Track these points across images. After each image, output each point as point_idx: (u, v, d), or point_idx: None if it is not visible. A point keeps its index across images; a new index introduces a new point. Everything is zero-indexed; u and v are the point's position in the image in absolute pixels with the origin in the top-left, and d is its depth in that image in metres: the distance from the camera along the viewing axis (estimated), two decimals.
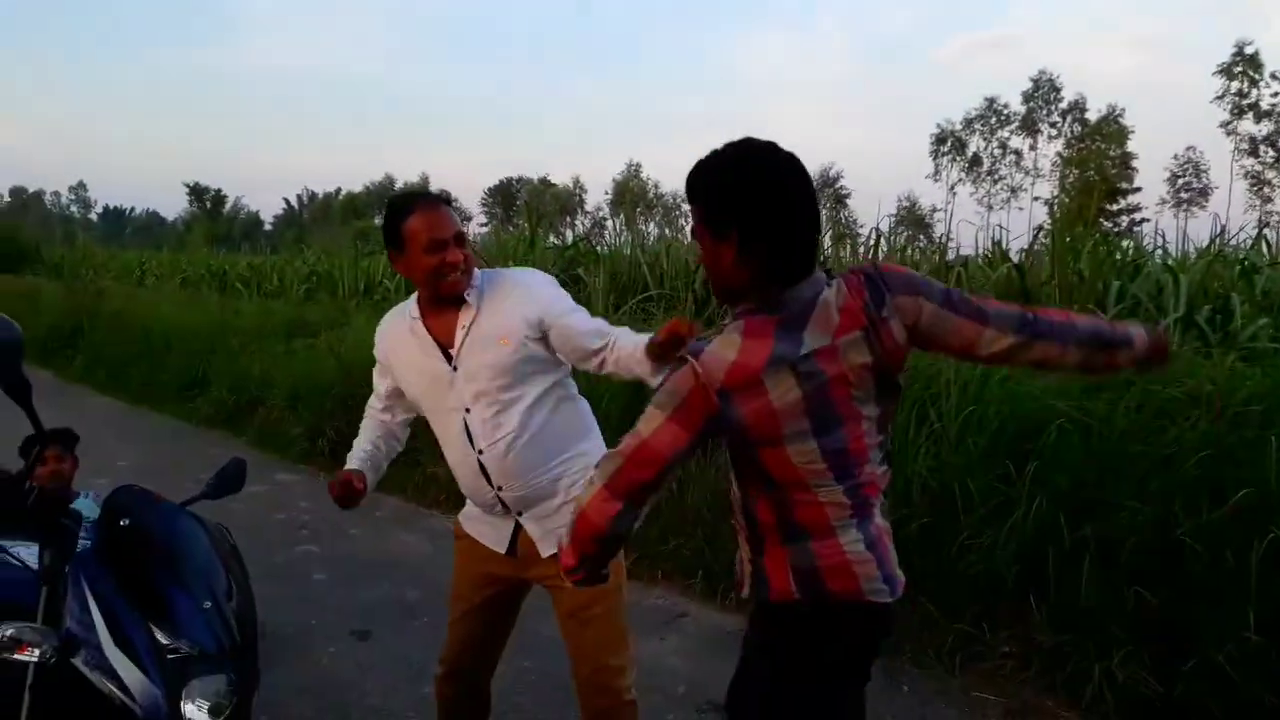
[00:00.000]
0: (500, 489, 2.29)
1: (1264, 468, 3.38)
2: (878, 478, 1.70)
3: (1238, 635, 3.19)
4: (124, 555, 1.55)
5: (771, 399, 1.54)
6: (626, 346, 2.18)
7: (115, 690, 1.43)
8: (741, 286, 1.62)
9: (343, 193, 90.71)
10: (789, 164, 1.57)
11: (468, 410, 2.27)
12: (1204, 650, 3.21)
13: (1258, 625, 3.14)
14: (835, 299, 1.60)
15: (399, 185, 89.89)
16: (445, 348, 2.28)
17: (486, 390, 2.24)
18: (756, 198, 1.55)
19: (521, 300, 2.27)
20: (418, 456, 6.49)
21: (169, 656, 1.48)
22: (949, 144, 72.04)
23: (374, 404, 2.62)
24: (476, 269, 2.32)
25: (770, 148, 1.58)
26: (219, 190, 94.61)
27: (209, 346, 9.88)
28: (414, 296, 2.39)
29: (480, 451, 2.27)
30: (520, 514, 2.31)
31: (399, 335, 2.38)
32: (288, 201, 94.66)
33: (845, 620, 1.68)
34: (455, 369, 2.27)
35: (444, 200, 2.32)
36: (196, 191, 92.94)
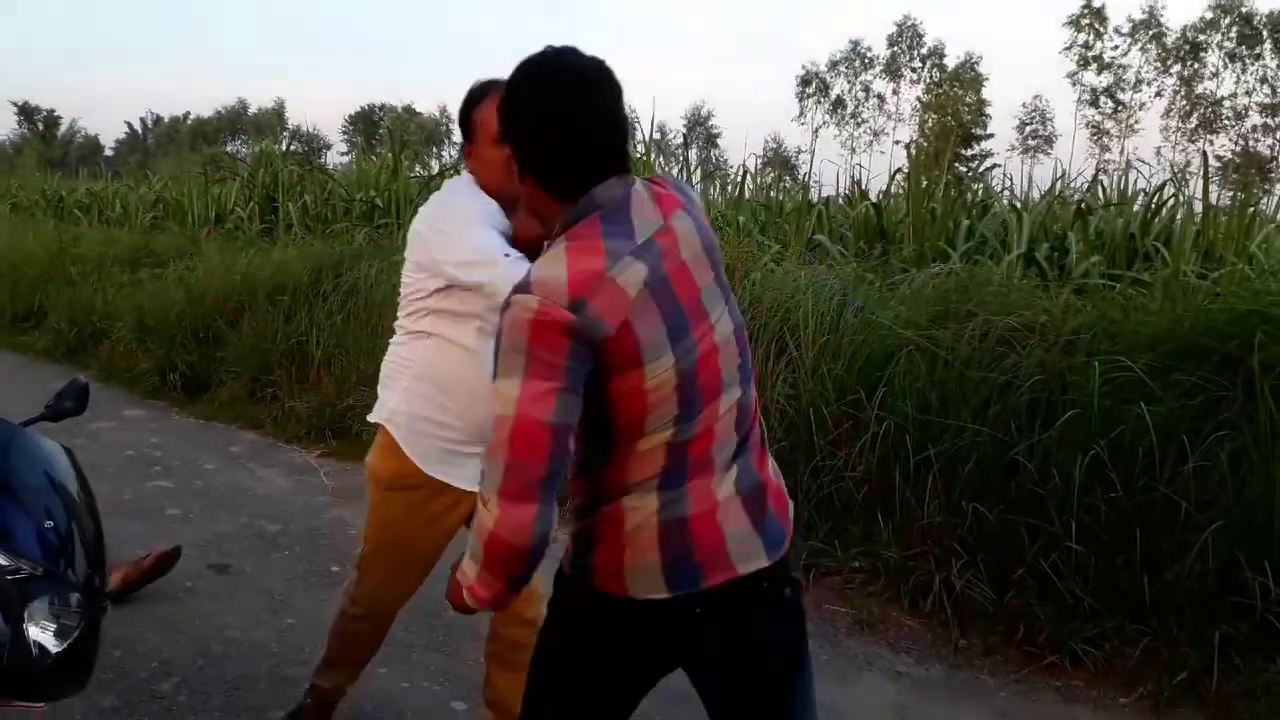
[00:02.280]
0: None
1: (1088, 391, 3.65)
2: (719, 421, 1.46)
3: (1060, 545, 3.47)
4: None
5: (627, 292, 1.36)
6: None
7: None
8: (535, 207, 1.51)
9: (191, 117, 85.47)
10: (568, 78, 1.42)
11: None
12: (1032, 559, 3.48)
13: (1078, 535, 3.42)
14: (645, 190, 1.48)
15: (253, 110, 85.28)
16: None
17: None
18: (521, 119, 1.44)
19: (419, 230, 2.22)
20: (275, 391, 6.32)
21: (10, 577, 1.42)
22: (814, 86, 73.15)
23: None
24: None
25: (547, 61, 1.44)
26: (52, 111, 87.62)
27: (45, 276, 9.26)
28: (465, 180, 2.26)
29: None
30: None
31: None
32: (130, 125, 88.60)
33: (612, 605, 1.48)
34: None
35: None
36: (26, 111, 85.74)
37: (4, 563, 1.43)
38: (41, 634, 1.45)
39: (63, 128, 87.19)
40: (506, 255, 2.02)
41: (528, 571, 1.37)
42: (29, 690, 1.47)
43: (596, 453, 1.45)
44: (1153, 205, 6.43)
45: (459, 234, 2.10)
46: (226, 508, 4.59)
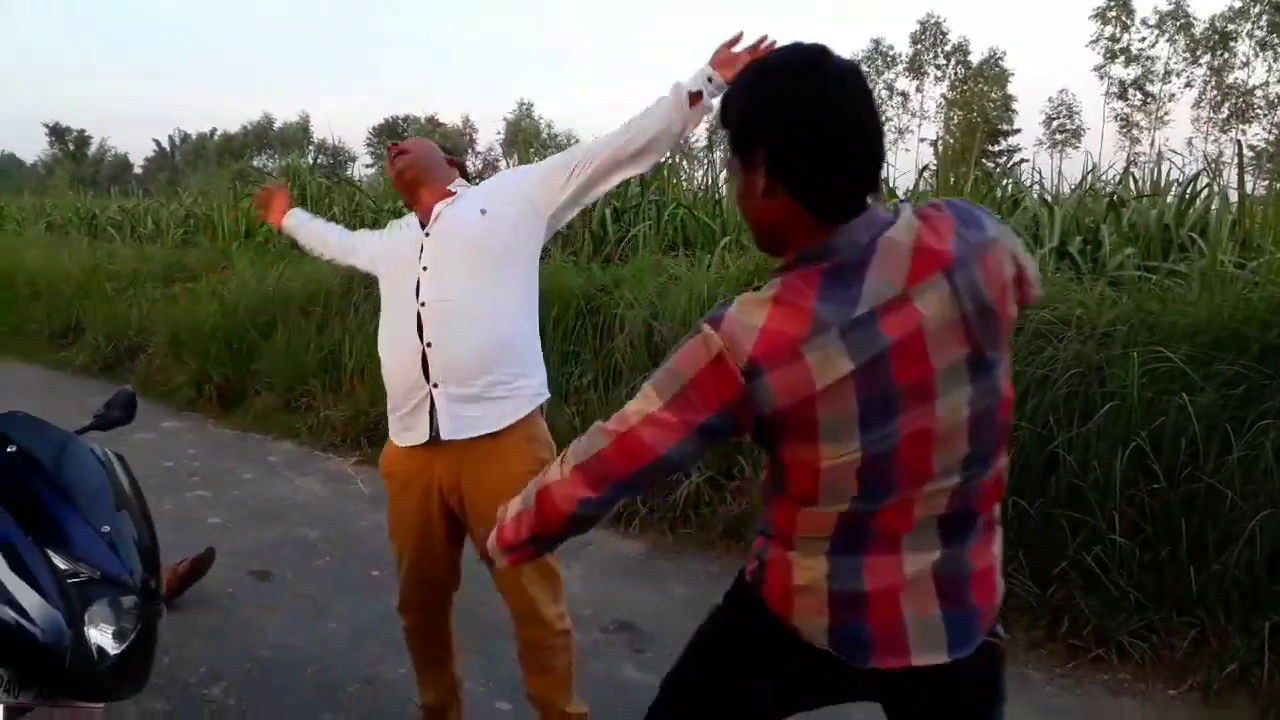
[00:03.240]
0: (429, 345, 2.24)
1: (1127, 383, 3.61)
2: (919, 501, 1.29)
3: (1103, 538, 3.44)
4: (13, 481, 1.50)
5: (814, 380, 1.21)
6: (656, 111, 2.24)
7: (15, 617, 1.39)
8: (777, 228, 1.31)
9: (218, 133, 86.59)
10: (835, 75, 1.25)
11: (425, 268, 2.29)
12: (1074, 553, 3.45)
13: (1121, 527, 3.38)
14: (905, 236, 1.24)
15: (278, 125, 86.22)
16: (424, 223, 2.39)
17: (447, 252, 2.29)
18: (786, 114, 1.24)
19: (510, 180, 2.43)
20: (310, 400, 6.39)
21: (69, 581, 1.44)
22: None
23: (345, 232, 2.87)
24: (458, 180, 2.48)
25: (812, 56, 1.27)
26: (82, 131, 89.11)
27: (81, 293, 9.41)
28: None
29: (423, 304, 2.26)
30: (436, 385, 2.25)
31: (397, 227, 2.57)
32: (158, 143, 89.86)
33: (783, 636, 1.40)
34: (428, 234, 2.34)
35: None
36: (57, 132, 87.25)
37: (63, 567, 1.45)
38: (100, 636, 1.47)
39: (93, 147, 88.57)
40: None
41: (553, 538, 1.40)
42: (90, 691, 1.50)
43: (773, 485, 1.37)
44: (1187, 196, 6.35)
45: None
46: (265, 516, 4.64)
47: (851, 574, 1.31)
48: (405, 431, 2.36)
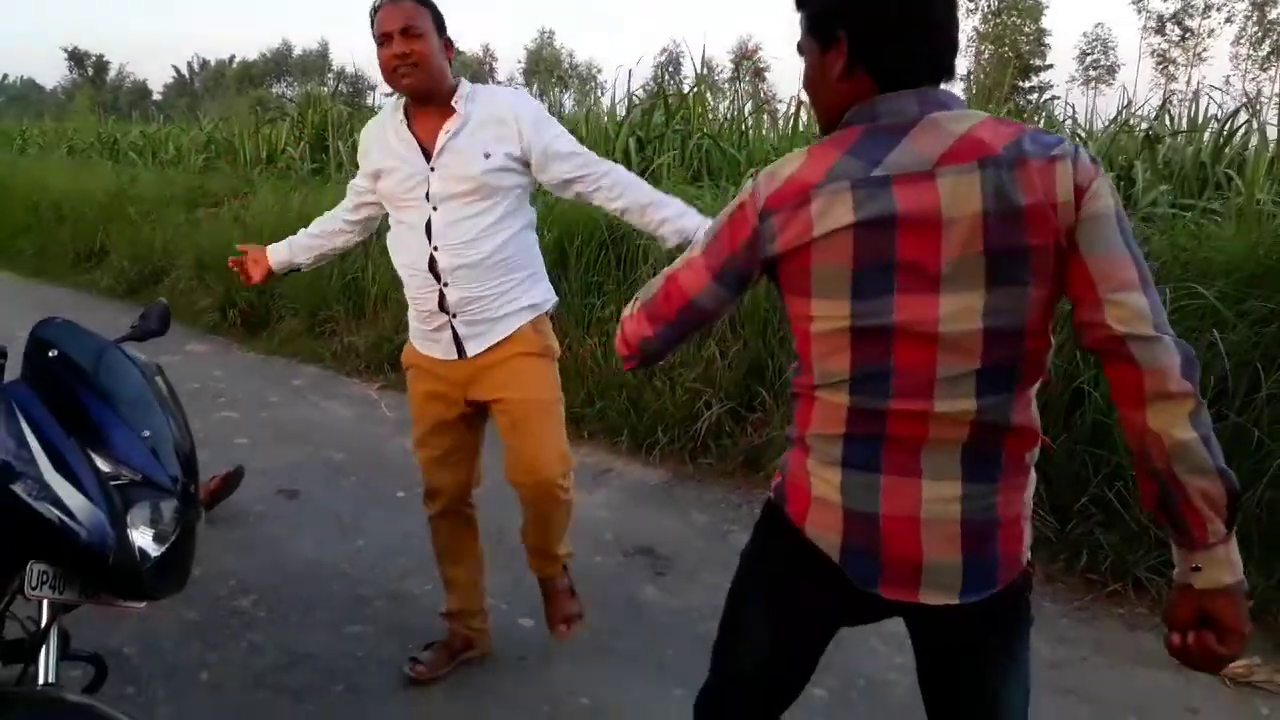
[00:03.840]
0: (446, 284, 2.37)
1: None
2: (935, 414, 1.25)
3: (1125, 474, 3.44)
4: (55, 386, 1.52)
5: (813, 225, 1.24)
6: (643, 206, 2.38)
7: (60, 515, 1.42)
8: (855, 90, 1.28)
9: (237, 60, 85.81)
10: None
11: (435, 209, 2.36)
12: (1096, 489, 3.45)
13: None
14: (960, 124, 1.22)
15: (297, 52, 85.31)
16: (426, 148, 2.37)
17: (456, 194, 2.34)
18: (872, 5, 1.24)
19: (510, 120, 2.36)
20: (334, 326, 6.43)
21: (112, 483, 1.47)
22: None
23: (343, 204, 2.76)
24: (468, 82, 2.41)
25: None
26: (101, 56, 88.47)
27: (105, 216, 9.43)
28: (403, 100, 2.45)
29: (435, 248, 2.36)
30: (455, 316, 2.41)
31: (382, 133, 2.46)
32: (177, 69, 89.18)
33: (804, 547, 1.38)
34: (432, 169, 2.35)
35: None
36: (76, 57, 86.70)
37: (106, 470, 1.48)
38: (141, 538, 1.50)
39: (111, 73, 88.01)
40: None
41: (637, 359, 1.51)
42: (131, 590, 1.54)
43: (798, 368, 1.39)
44: (1224, 133, 6.21)
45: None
46: (292, 437, 4.71)
47: (867, 492, 1.30)
48: (430, 344, 2.51)
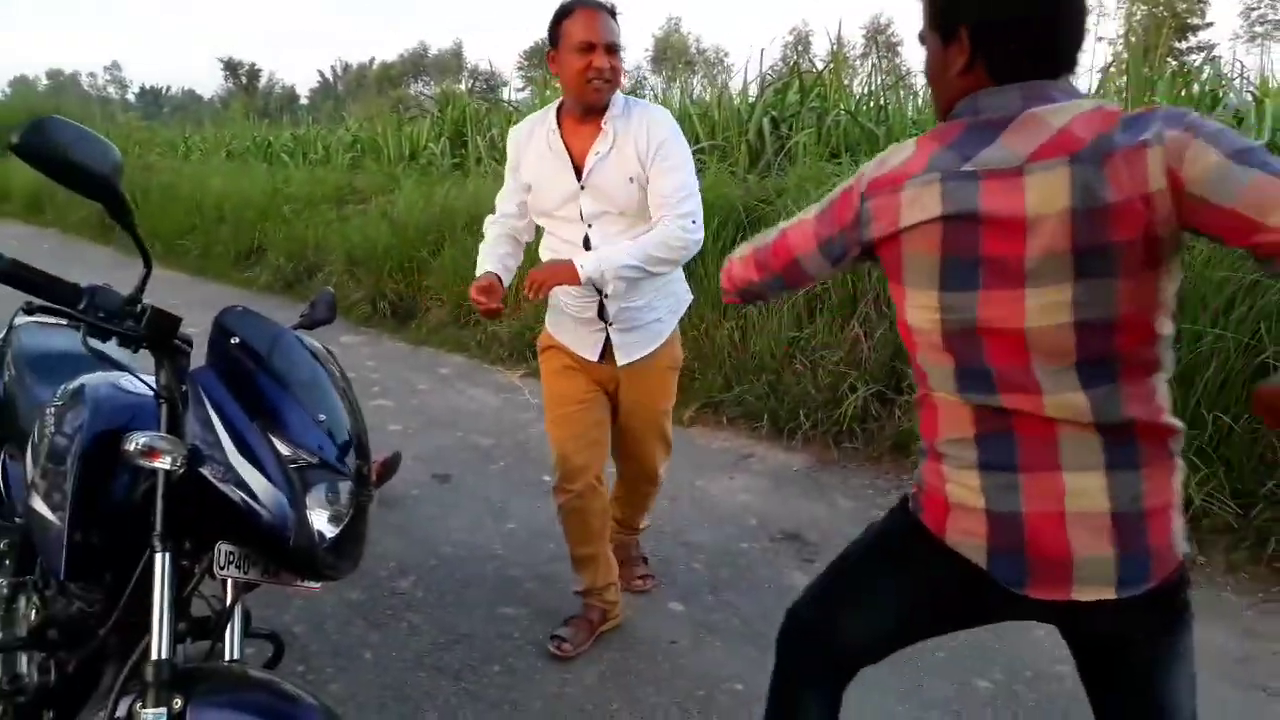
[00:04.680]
0: (606, 296, 2.46)
1: None
2: (1046, 407, 1.24)
3: None
4: (236, 371, 1.58)
5: (901, 214, 1.27)
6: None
7: (244, 497, 1.48)
8: (967, 77, 1.29)
9: (376, 62, 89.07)
10: None
11: (590, 225, 2.43)
12: None
13: None
14: (1060, 117, 1.21)
15: (433, 53, 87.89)
16: (577, 165, 2.41)
17: (609, 213, 2.41)
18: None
19: (648, 138, 2.37)
20: (477, 316, 6.57)
21: (291, 466, 1.52)
22: None
23: (497, 214, 2.71)
24: (622, 96, 2.43)
25: None
26: (254, 65, 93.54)
27: (261, 216, 9.92)
28: (553, 105, 2.51)
29: None
30: (612, 324, 2.51)
31: (534, 142, 2.50)
32: (322, 74, 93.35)
33: (934, 552, 1.37)
34: (583, 188, 2.41)
35: (607, 9, 2.37)
36: (231, 67, 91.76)
37: (285, 452, 1.53)
38: (318, 519, 1.55)
39: (263, 80, 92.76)
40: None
41: (739, 296, 1.63)
42: (310, 570, 1.59)
43: (919, 370, 1.39)
44: None
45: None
46: (442, 424, 4.84)
47: (1008, 492, 1.28)
48: (579, 345, 2.59)
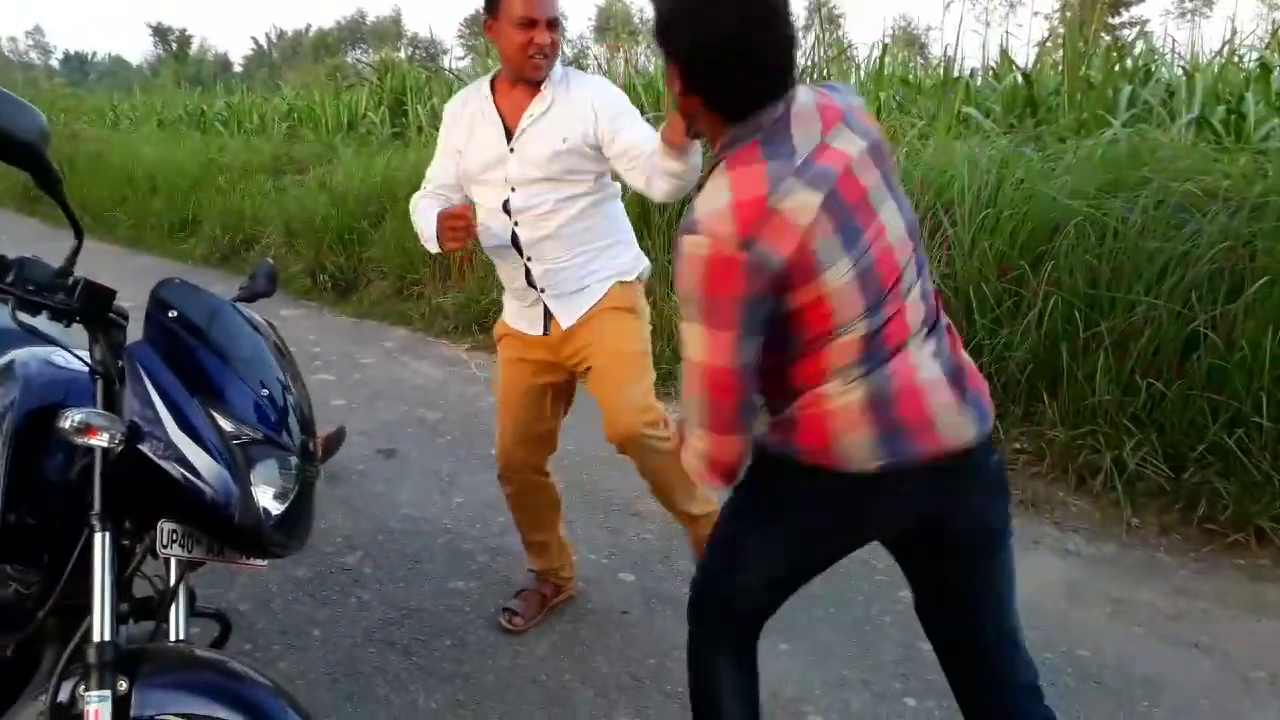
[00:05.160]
0: (530, 259, 2.41)
1: None
2: (907, 308, 1.46)
3: (1245, 420, 3.28)
4: (177, 346, 1.54)
5: (794, 221, 1.34)
6: (650, 155, 2.23)
7: (185, 474, 1.44)
8: (696, 120, 1.49)
9: (313, 29, 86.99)
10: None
11: (513, 189, 2.37)
12: (1216, 436, 3.30)
13: (1270, 411, 3.21)
14: (809, 100, 1.45)
15: (371, 19, 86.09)
16: (509, 126, 2.38)
17: (534, 176, 2.35)
18: (694, 34, 1.38)
19: (591, 105, 2.32)
20: (422, 289, 6.49)
21: (234, 442, 1.49)
22: None
23: (429, 186, 2.60)
24: (561, 66, 2.39)
25: None
26: (184, 30, 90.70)
27: (196, 186, 9.66)
28: (487, 76, 2.47)
29: (516, 224, 2.39)
30: (544, 290, 2.44)
31: (468, 110, 2.47)
32: (256, 40, 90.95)
33: (827, 479, 1.49)
34: (512, 150, 2.36)
35: None
36: (160, 32, 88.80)
37: (227, 428, 1.50)
38: (264, 496, 1.52)
39: (194, 46, 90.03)
40: None
41: (741, 473, 1.52)
42: (255, 548, 1.56)
43: (792, 354, 1.46)
44: None
45: None
46: (387, 398, 4.78)
47: (881, 381, 1.44)
48: (521, 320, 2.54)
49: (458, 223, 2.29)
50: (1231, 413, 3.31)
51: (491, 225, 2.41)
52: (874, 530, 1.62)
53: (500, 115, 2.39)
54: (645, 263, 2.58)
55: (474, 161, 2.43)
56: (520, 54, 2.28)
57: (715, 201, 1.35)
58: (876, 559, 3.12)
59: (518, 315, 2.55)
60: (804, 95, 1.46)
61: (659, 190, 2.23)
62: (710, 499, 2.60)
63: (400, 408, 4.63)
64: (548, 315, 2.47)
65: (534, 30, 2.25)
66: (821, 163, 1.40)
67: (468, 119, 2.45)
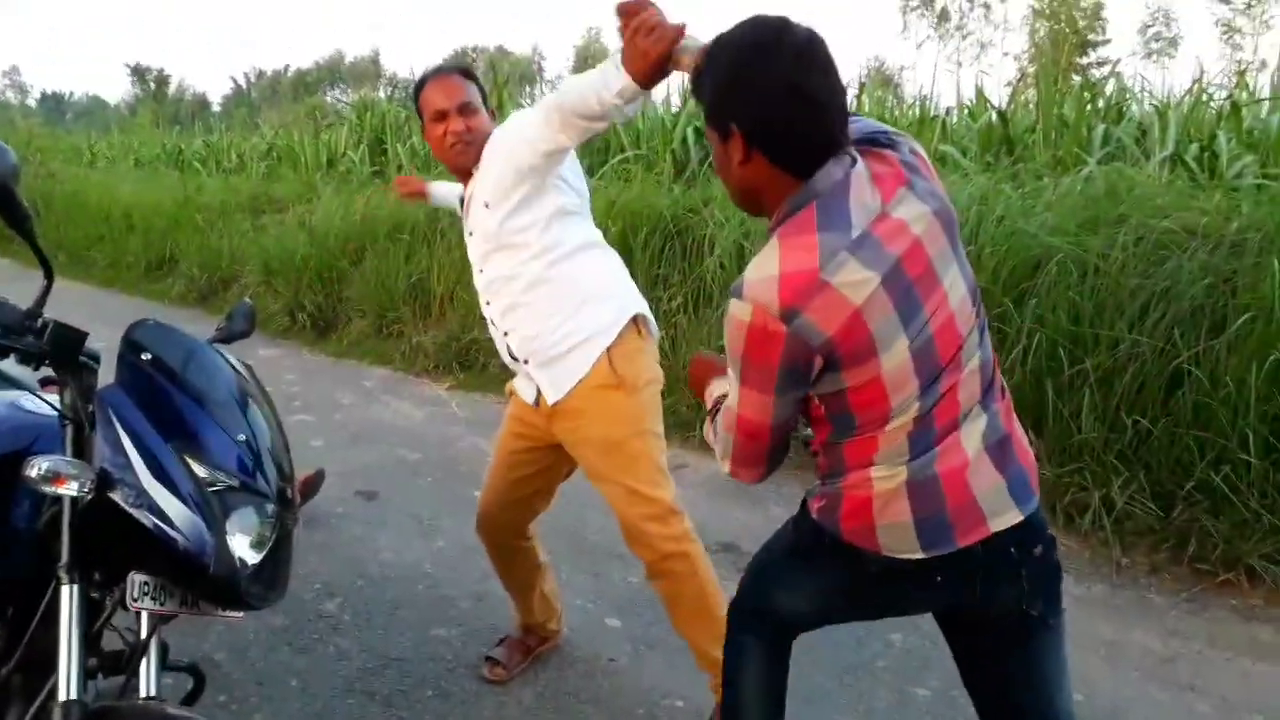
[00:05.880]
0: (505, 334, 2.35)
1: (1262, 294, 3.40)
2: (963, 380, 1.42)
3: (1232, 458, 3.27)
4: (151, 388, 1.49)
5: (846, 296, 1.31)
6: (578, 86, 1.88)
7: (158, 523, 1.38)
8: (758, 190, 1.42)
9: (291, 69, 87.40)
10: (798, 48, 1.33)
11: (480, 270, 2.37)
12: (1203, 473, 3.29)
13: (1256, 448, 3.20)
14: (863, 169, 1.38)
15: (350, 60, 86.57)
16: (466, 206, 2.38)
17: (486, 252, 2.31)
18: (757, 92, 1.33)
19: (496, 155, 2.21)
20: (402, 328, 6.44)
21: (209, 490, 1.43)
22: None
23: None
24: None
25: (776, 30, 1.35)
26: (162, 70, 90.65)
27: (173, 225, 9.59)
28: None
29: (488, 303, 2.37)
30: (526, 362, 2.34)
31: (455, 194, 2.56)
32: (235, 80, 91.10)
33: (870, 562, 1.49)
34: (471, 233, 2.36)
35: (458, 69, 2.34)
36: (139, 72, 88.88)
37: (202, 474, 1.44)
38: (240, 545, 1.46)
39: (173, 86, 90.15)
40: None
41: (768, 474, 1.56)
42: (231, 599, 1.50)
43: (842, 432, 1.45)
44: None
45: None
46: (367, 439, 4.71)
47: (926, 466, 1.41)
48: (519, 384, 2.47)
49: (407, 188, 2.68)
50: (1218, 450, 3.30)
51: (481, 302, 2.42)
52: (902, 610, 1.65)
53: (462, 199, 2.40)
54: (631, 312, 2.30)
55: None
56: (440, 146, 2.29)
57: (765, 269, 1.33)
58: None
59: (517, 381, 2.48)
60: (861, 165, 1.39)
61: (571, 135, 1.98)
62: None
63: (380, 448, 4.56)
64: (539, 386, 2.36)
65: (446, 121, 2.25)
66: (880, 235, 1.34)
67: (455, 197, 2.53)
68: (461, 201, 2.40)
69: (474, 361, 5.81)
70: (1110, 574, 3.28)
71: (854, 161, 1.38)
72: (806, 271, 1.31)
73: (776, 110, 1.33)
